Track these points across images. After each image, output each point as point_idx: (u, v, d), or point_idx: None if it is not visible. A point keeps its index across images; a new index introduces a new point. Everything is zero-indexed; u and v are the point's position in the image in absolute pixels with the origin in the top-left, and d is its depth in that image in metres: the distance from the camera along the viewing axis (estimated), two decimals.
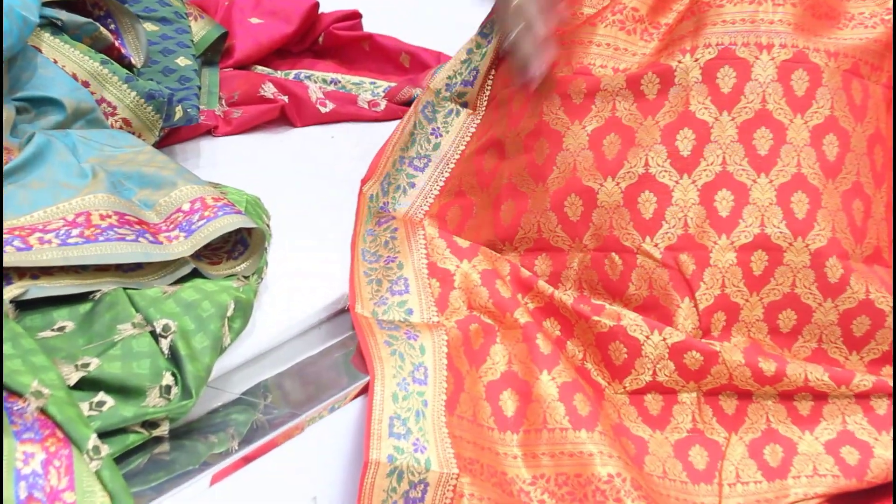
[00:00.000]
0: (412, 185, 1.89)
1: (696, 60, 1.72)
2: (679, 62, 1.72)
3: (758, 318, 1.69)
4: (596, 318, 1.71)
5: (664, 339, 1.68)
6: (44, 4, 2.26)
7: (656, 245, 1.70)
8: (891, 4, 1.80)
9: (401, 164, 1.90)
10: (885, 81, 1.77)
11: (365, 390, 1.71)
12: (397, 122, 2.28)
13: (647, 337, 1.68)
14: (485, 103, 1.90)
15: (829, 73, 1.72)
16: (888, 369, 1.72)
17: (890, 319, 1.68)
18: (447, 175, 1.89)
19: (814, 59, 1.72)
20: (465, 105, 1.91)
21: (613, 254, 1.72)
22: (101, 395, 1.63)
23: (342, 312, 1.92)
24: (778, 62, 1.71)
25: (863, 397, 1.70)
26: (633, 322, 1.70)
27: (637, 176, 1.72)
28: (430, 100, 1.92)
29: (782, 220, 1.68)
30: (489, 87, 1.92)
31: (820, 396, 1.69)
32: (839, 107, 1.71)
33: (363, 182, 1.91)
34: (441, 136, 1.90)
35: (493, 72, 1.91)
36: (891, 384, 1.70)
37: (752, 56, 1.72)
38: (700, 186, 1.70)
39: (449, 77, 1.92)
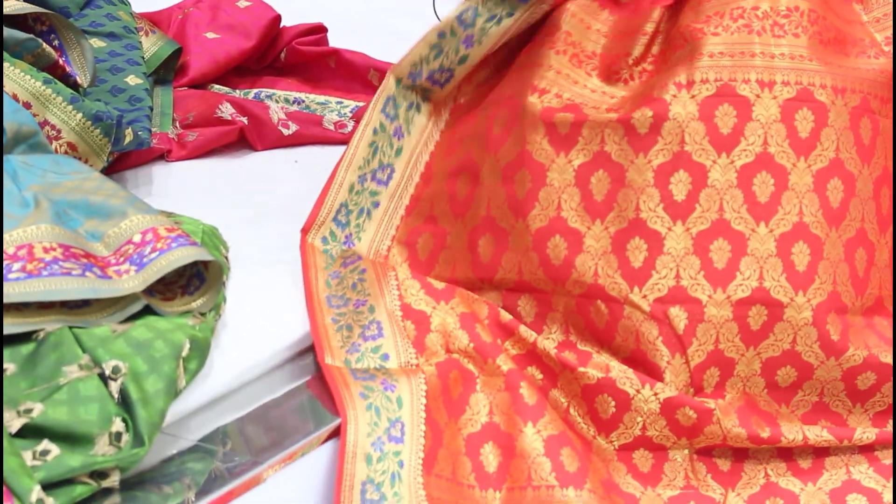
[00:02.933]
0: (376, 205, 1.88)
1: (693, 97, 1.72)
2: (674, 96, 1.72)
3: (754, 372, 1.69)
4: (582, 369, 1.71)
5: (655, 395, 1.68)
6: None
7: (645, 297, 1.69)
8: (890, 33, 1.81)
9: (361, 183, 1.89)
10: None
11: (334, 434, 1.71)
12: None
13: (638, 391, 1.68)
14: (450, 108, 1.90)
15: (835, 112, 1.72)
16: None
17: None
18: (411, 192, 1.88)
19: (819, 98, 1.72)
20: (426, 100, 1.90)
21: (599, 302, 1.72)
22: (46, 444, 1.63)
23: (306, 352, 1.92)
24: (781, 101, 1.72)
25: (867, 449, 1.71)
26: (622, 374, 1.69)
27: (627, 220, 1.71)
28: (391, 95, 1.91)
29: (782, 272, 1.68)
30: (463, 96, 1.92)
31: (821, 451, 1.70)
32: (846, 148, 1.72)
33: (304, 231, 1.89)
34: (403, 136, 1.90)
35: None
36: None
37: (754, 94, 1.72)
38: (694, 235, 1.70)
39: (413, 64, 1.90)
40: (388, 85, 1.90)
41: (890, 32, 1.80)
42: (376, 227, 1.88)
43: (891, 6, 1.82)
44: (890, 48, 1.80)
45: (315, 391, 1.88)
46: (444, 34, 1.88)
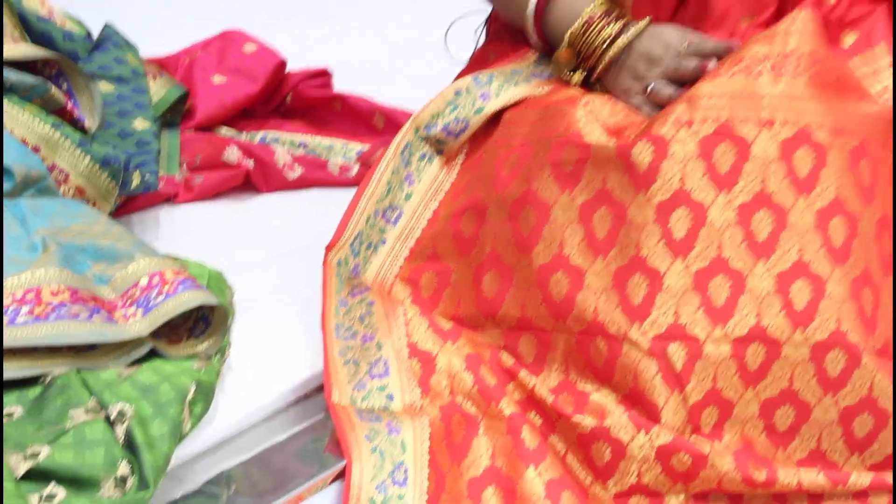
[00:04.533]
0: (383, 242, 1.89)
1: (693, 135, 1.72)
2: (674, 134, 1.72)
3: (753, 414, 1.68)
4: (577, 417, 1.70)
5: (650, 440, 1.67)
6: None
7: (644, 333, 1.69)
8: (891, 83, 1.81)
9: (374, 217, 1.90)
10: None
11: (339, 477, 1.72)
12: None
13: (633, 437, 1.68)
14: (460, 163, 1.91)
15: (834, 153, 1.72)
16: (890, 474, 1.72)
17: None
18: (417, 235, 1.89)
19: (818, 137, 1.72)
20: (440, 153, 1.91)
21: (599, 338, 1.72)
22: (52, 487, 1.63)
23: (311, 395, 1.93)
24: (779, 140, 1.71)
25: (861, 495, 1.70)
26: (617, 421, 1.69)
27: (628, 258, 1.71)
28: (409, 142, 1.92)
29: (781, 310, 1.67)
30: (466, 147, 1.92)
31: (816, 497, 1.69)
32: (846, 189, 1.71)
33: (328, 249, 1.91)
34: (413, 183, 1.90)
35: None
36: (890, 482, 1.70)
37: (752, 133, 1.72)
38: (694, 272, 1.69)
39: (432, 116, 1.91)
40: (407, 132, 1.92)
41: (878, 88, 1.80)
42: (381, 263, 1.88)
43: (875, 66, 1.82)
44: (882, 100, 1.81)
45: (319, 433, 1.89)
46: (460, 92, 1.89)
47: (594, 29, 1.87)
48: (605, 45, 1.86)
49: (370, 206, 1.89)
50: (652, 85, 1.81)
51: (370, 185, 1.90)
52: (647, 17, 1.87)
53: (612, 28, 1.86)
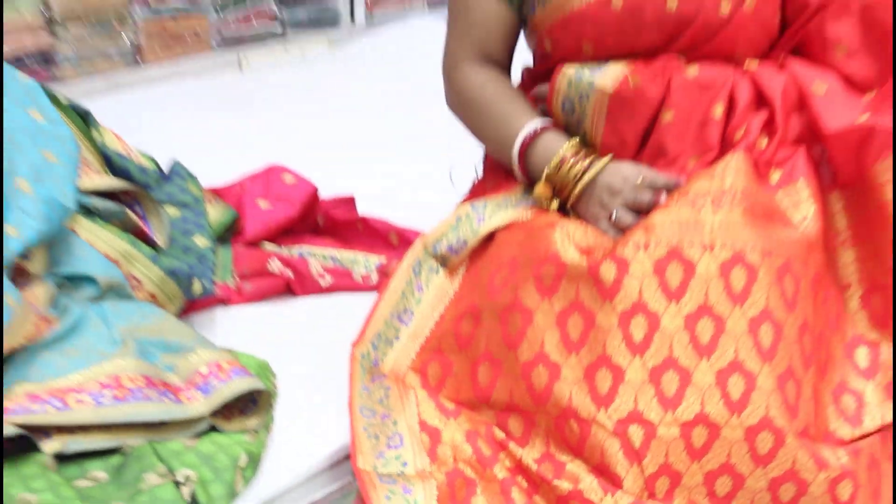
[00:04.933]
0: (397, 338, 1.89)
1: (649, 256, 1.72)
2: (634, 255, 1.73)
3: (698, 483, 1.67)
4: (556, 482, 1.70)
5: (615, 501, 1.67)
6: (80, 192, 2.30)
7: (609, 417, 1.68)
8: (809, 213, 1.82)
9: (391, 319, 1.90)
10: (813, 276, 1.78)
11: None
12: None
13: (601, 499, 1.66)
14: (461, 275, 1.91)
15: (764, 270, 1.72)
16: None
17: (812, 488, 1.67)
18: (427, 334, 1.89)
19: (750, 258, 1.72)
20: (444, 265, 1.91)
21: (572, 421, 1.71)
22: None
23: (341, 462, 1.93)
24: (719, 260, 1.72)
25: None
26: (589, 486, 1.68)
27: (596, 355, 1.71)
28: (418, 258, 1.93)
29: (720, 399, 1.67)
30: (466, 262, 1.92)
31: None
32: (773, 299, 1.71)
33: (354, 345, 1.91)
34: (423, 291, 1.90)
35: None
36: None
37: (697, 254, 1.72)
38: (650, 368, 1.69)
39: (436, 239, 1.92)
40: (417, 250, 1.93)
41: (798, 217, 1.81)
42: (396, 356, 1.87)
43: (796, 198, 1.83)
44: (807, 220, 1.81)
45: (347, 492, 1.89)
46: (460, 218, 1.90)
47: (566, 167, 1.88)
48: (575, 180, 1.87)
49: (387, 310, 1.89)
50: (615, 213, 1.81)
51: (388, 293, 1.90)
52: (609, 155, 1.88)
53: (581, 165, 1.87)
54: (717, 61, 1.89)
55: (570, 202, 1.89)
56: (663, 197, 1.79)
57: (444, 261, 1.89)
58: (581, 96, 1.88)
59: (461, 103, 2.02)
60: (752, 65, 1.89)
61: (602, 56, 1.91)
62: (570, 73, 1.88)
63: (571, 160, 1.88)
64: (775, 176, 1.84)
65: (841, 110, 1.84)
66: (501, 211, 1.90)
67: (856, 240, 1.84)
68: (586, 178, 1.86)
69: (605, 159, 1.88)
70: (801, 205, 1.83)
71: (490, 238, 1.88)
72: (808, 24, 1.89)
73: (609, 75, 1.87)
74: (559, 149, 1.89)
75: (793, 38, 1.91)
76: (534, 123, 1.93)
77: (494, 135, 1.96)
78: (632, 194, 1.82)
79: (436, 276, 1.90)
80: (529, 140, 1.91)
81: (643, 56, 1.89)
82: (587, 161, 1.87)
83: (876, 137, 1.80)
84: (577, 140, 1.90)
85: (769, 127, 1.86)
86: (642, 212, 1.80)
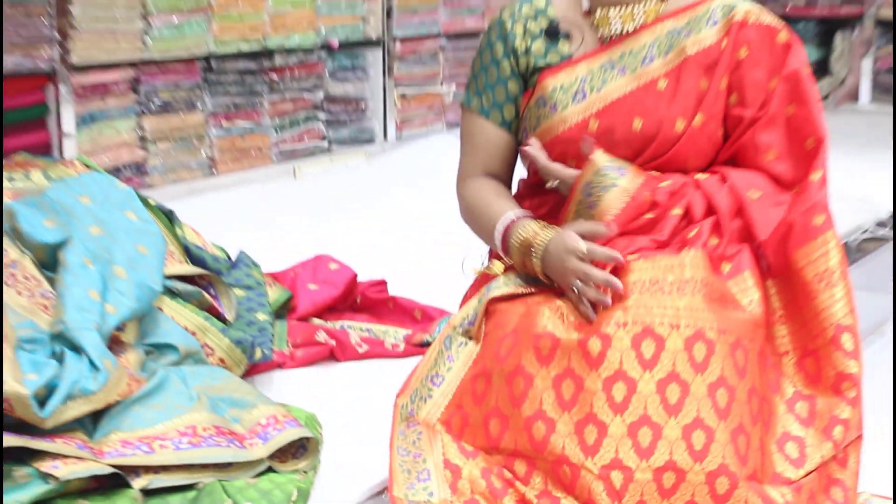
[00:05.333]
0: (430, 397, 1.86)
1: (627, 333, 1.72)
2: (614, 331, 1.73)
3: None
4: None
5: None
6: (165, 277, 2.33)
7: (595, 463, 1.67)
8: (755, 298, 1.82)
9: (426, 380, 1.88)
10: (759, 349, 1.79)
11: None
12: (413, 358, 2.31)
13: None
14: (482, 337, 1.90)
15: (720, 345, 1.72)
16: None
17: None
18: (453, 392, 1.87)
19: (709, 335, 1.72)
20: (470, 338, 1.90)
21: (565, 466, 1.70)
22: None
23: (380, 493, 1.95)
24: (684, 337, 1.71)
25: None
26: None
27: (584, 413, 1.70)
28: (449, 334, 1.91)
29: (685, 450, 1.66)
30: (483, 325, 1.92)
31: None
32: (727, 368, 1.71)
33: (397, 396, 1.91)
34: (453, 361, 1.89)
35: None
36: None
37: (666, 331, 1.72)
38: (628, 424, 1.68)
39: (462, 319, 1.91)
40: (448, 329, 1.91)
41: (745, 301, 1.82)
42: (429, 409, 1.84)
43: (743, 286, 1.83)
44: (754, 302, 1.82)
45: None
46: (481, 299, 1.89)
47: (527, 243, 1.86)
48: (530, 251, 1.85)
49: (423, 373, 1.87)
50: (576, 288, 1.79)
51: (424, 360, 1.88)
52: (552, 229, 1.85)
53: (536, 240, 1.87)
54: (672, 171, 1.89)
55: (538, 271, 1.86)
56: (617, 283, 1.78)
57: (468, 334, 1.89)
58: (604, 187, 1.87)
59: (465, 209, 2.01)
60: (701, 176, 1.89)
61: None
62: (600, 165, 1.85)
63: (538, 232, 1.86)
64: (726, 268, 1.83)
65: (770, 213, 1.85)
66: (503, 287, 1.89)
67: (787, 317, 1.84)
68: (535, 252, 1.84)
69: (549, 232, 1.85)
70: (747, 291, 1.82)
71: (498, 311, 1.88)
72: (743, 136, 1.89)
73: (627, 180, 1.86)
74: (528, 230, 1.87)
75: (731, 147, 1.91)
76: (512, 214, 1.90)
77: (486, 228, 1.94)
78: (581, 267, 1.78)
79: (464, 348, 1.88)
80: (508, 227, 1.89)
81: None
82: (542, 235, 1.85)
83: (793, 230, 1.81)
84: (541, 223, 1.88)
85: (717, 229, 1.85)
86: (598, 284, 1.77)
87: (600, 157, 1.86)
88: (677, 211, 1.86)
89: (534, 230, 1.86)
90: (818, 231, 1.81)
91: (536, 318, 1.79)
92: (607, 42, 1.92)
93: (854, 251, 3.28)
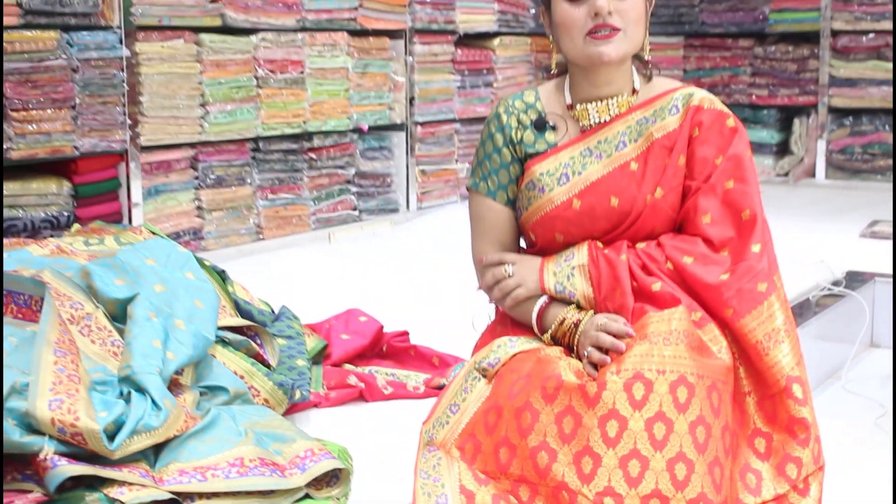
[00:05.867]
0: (447, 423, 1.85)
1: (619, 378, 1.72)
2: (609, 376, 1.72)
3: None
4: None
5: None
6: (218, 328, 2.33)
7: (590, 490, 1.66)
8: (723, 346, 1.82)
9: (446, 410, 1.87)
10: (730, 390, 1.78)
11: None
12: (432, 399, 2.30)
13: None
14: (493, 382, 1.89)
15: (699, 388, 1.72)
16: None
17: None
18: (467, 421, 1.85)
19: (690, 380, 1.72)
20: (485, 375, 1.89)
21: (564, 492, 1.68)
22: None
23: None
24: (669, 381, 1.71)
25: None
26: None
27: (582, 446, 1.69)
28: (469, 370, 1.90)
29: (669, 480, 1.65)
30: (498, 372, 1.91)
31: None
32: (705, 409, 1.71)
33: (423, 423, 1.89)
34: (468, 392, 1.88)
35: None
36: None
37: (654, 377, 1.71)
38: (619, 457, 1.67)
39: (482, 357, 1.89)
40: (468, 365, 1.90)
41: (715, 349, 1.82)
42: (445, 434, 1.83)
43: (711, 335, 1.83)
44: (722, 350, 1.81)
45: None
46: (499, 346, 1.88)
47: (565, 324, 1.88)
48: (569, 333, 1.88)
49: (445, 403, 1.87)
50: (588, 352, 1.79)
51: (447, 392, 1.88)
52: (590, 311, 1.88)
53: (572, 321, 1.88)
54: (642, 237, 1.91)
55: (569, 343, 1.88)
56: (622, 344, 1.77)
57: (484, 372, 1.88)
58: (568, 276, 1.89)
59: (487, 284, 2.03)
60: (640, 244, 1.90)
61: (570, 242, 1.93)
62: (551, 268, 1.90)
63: (569, 319, 1.88)
64: (696, 316, 1.84)
65: (703, 271, 1.85)
66: (527, 344, 1.90)
67: (745, 366, 1.84)
68: (579, 330, 1.86)
69: (588, 314, 1.87)
70: (715, 339, 1.81)
71: (514, 358, 1.87)
72: (688, 202, 1.90)
73: (581, 256, 1.89)
74: (560, 313, 1.89)
75: (679, 212, 1.92)
76: (541, 301, 1.91)
77: (518, 315, 1.96)
78: (595, 337, 1.80)
79: (478, 383, 1.88)
80: (541, 313, 1.91)
81: (598, 238, 1.92)
82: (578, 317, 1.88)
83: (740, 298, 1.81)
84: (574, 306, 1.90)
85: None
86: (606, 349, 1.78)
87: (548, 262, 1.91)
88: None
89: (571, 310, 1.88)
90: (763, 296, 1.82)
91: (549, 366, 1.79)
92: (587, 130, 1.95)
93: (814, 306, 3.26)
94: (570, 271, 1.89)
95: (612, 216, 1.91)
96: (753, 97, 5.97)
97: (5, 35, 3.43)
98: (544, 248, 1.96)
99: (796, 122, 5.92)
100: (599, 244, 1.91)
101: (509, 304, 1.93)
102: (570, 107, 1.97)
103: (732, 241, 1.87)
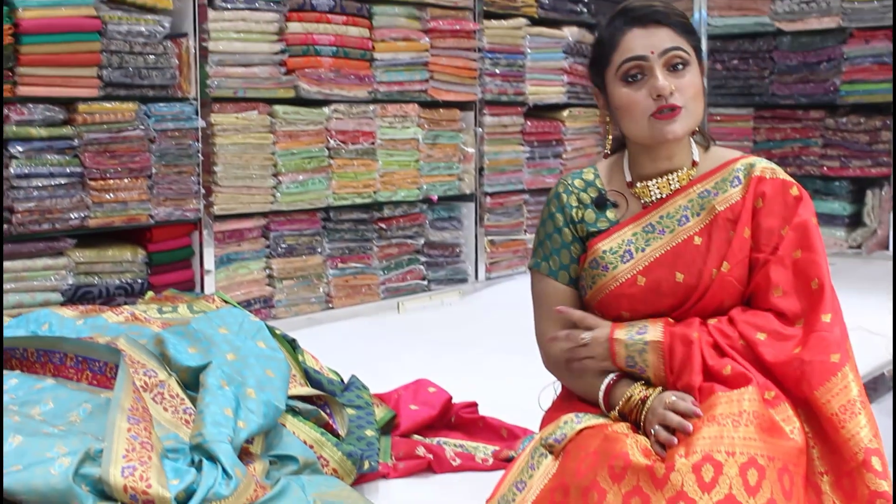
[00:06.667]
0: (513, 500, 1.83)
1: (688, 460, 1.69)
2: (678, 458, 1.70)
3: None
4: None
5: None
6: (288, 398, 2.34)
7: None
8: (795, 426, 1.79)
9: (512, 486, 1.85)
10: (803, 472, 1.75)
11: None
12: (501, 471, 2.27)
13: None
14: (560, 459, 1.87)
15: (770, 470, 1.69)
16: None
17: None
18: (532, 500, 1.83)
19: (760, 462, 1.69)
20: (551, 452, 1.88)
21: None
22: None
23: None
24: (738, 463, 1.68)
25: None
26: None
27: None
28: (536, 446, 1.89)
29: None
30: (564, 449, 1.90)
31: None
32: (776, 492, 1.68)
33: (488, 500, 1.87)
34: (535, 469, 1.87)
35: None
36: None
37: (723, 458, 1.69)
38: None
39: (549, 433, 1.87)
40: (535, 441, 1.90)
41: (788, 429, 1.78)
42: None
43: (785, 414, 1.80)
44: (796, 431, 1.78)
45: None
46: (566, 421, 1.86)
47: (633, 400, 1.86)
48: (638, 408, 1.86)
49: (511, 480, 1.86)
50: (653, 430, 1.78)
51: (513, 468, 1.87)
52: (658, 388, 1.86)
53: (639, 398, 1.86)
54: (710, 312, 1.89)
55: (636, 419, 1.86)
56: (689, 425, 1.75)
57: (550, 448, 1.86)
58: (640, 351, 1.88)
59: (553, 363, 2.02)
60: (712, 321, 1.89)
61: (637, 318, 1.91)
62: (623, 339, 1.88)
63: (636, 396, 1.86)
64: (769, 395, 1.81)
65: (778, 347, 1.83)
66: (594, 419, 1.88)
67: (817, 440, 1.80)
68: (645, 407, 1.84)
69: (657, 391, 1.85)
70: (789, 419, 1.79)
71: (580, 435, 1.85)
72: (757, 275, 1.89)
73: (654, 332, 1.87)
74: (627, 390, 1.88)
75: (749, 286, 1.91)
76: (609, 377, 1.91)
77: (582, 387, 1.96)
78: (663, 415, 1.78)
79: (544, 459, 1.86)
80: (609, 388, 1.90)
81: (665, 313, 1.91)
82: (646, 394, 1.86)
83: (813, 370, 1.79)
84: (641, 383, 1.89)
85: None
86: (674, 429, 1.76)
87: (619, 333, 1.89)
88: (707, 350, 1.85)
89: (638, 387, 1.87)
90: (836, 367, 1.79)
91: (616, 444, 1.76)
92: (648, 206, 1.96)
93: (888, 380, 3.18)
94: (642, 346, 1.87)
95: (678, 292, 1.90)
96: (825, 169, 5.90)
97: (85, 106, 3.53)
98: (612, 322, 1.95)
99: (869, 193, 5.83)
100: (671, 320, 1.90)
101: (576, 367, 1.92)
102: (631, 184, 1.98)
103: (804, 313, 1.86)
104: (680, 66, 1.88)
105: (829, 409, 1.77)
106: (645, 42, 1.87)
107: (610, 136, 2.00)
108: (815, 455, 1.80)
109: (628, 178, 1.98)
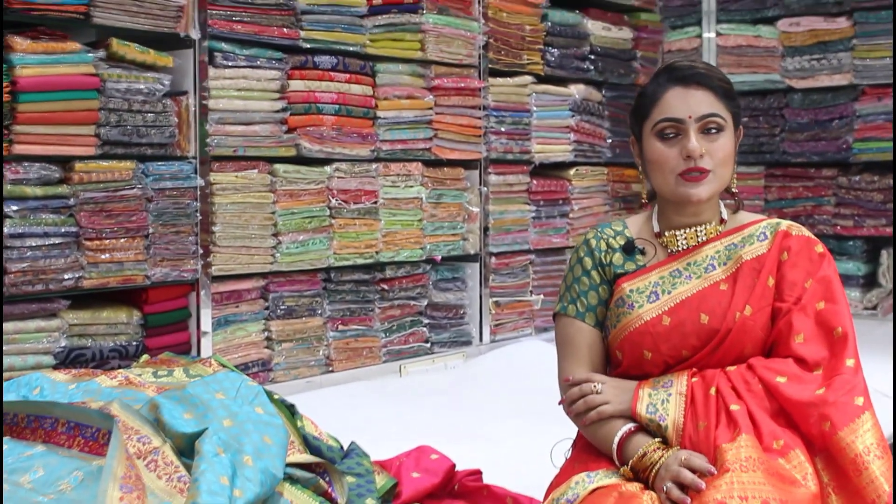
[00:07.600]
0: None
1: None
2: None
3: None
4: None
5: None
6: (286, 465, 2.32)
7: None
8: (808, 472, 1.80)
9: None
10: None
11: None
12: None
13: None
14: None
15: None
16: None
17: None
18: None
19: None
20: None
21: None
22: None
23: None
24: None
25: None
26: None
27: None
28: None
29: None
30: None
31: None
32: None
33: None
34: None
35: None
36: None
37: None
38: None
39: (561, 493, 1.88)
40: (547, 501, 1.91)
41: (799, 476, 1.79)
42: None
43: (796, 461, 1.82)
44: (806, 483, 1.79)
45: None
46: (578, 482, 1.89)
47: (647, 458, 1.88)
48: (652, 467, 1.87)
49: None
50: (666, 487, 1.80)
51: None
52: (676, 447, 1.88)
53: (655, 456, 1.87)
54: (733, 355, 1.95)
55: (647, 477, 1.88)
56: (702, 483, 1.77)
57: None
58: (663, 401, 1.92)
59: (573, 410, 2.05)
60: (731, 368, 1.94)
61: (657, 360, 1.97)
62: (647, 390, 1.93)
63: (652, 453, 1.88)
64: (778, 444, 1.84)
65: (797, 389, 1.87)
66: (605, 479, 1.89)
67: (838, 488, 1.82)
68: (658, 467, 1.85)
69: (672, 451, 1.87)
70: (801, 466, 1.81)
71: (593, 495, 1.86)
72: (780, 323, 1.95)
73: (680, 385, 1.92)
74: (642, 445, 1.89)
75: (771, 333, 1.97)
76: (626, 427, 1.94)
77: (597, 435, 1.98)
78: (676, 472, 1.80)
79: None
80: (623, 439, 1.93)
81: (687, 356, 1.95)
82: (660, 453, 1.87)
83: (837, 411, 1.82)
84: (658, 440, 1.91)
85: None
86: (687, 487, 1.78)
87: (643, 389, 1.95)
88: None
89: (654, 444, 1.90)
90: (860, 410, 1.83)
91: (629, 500, 1.78)
92: (674, 255, 2.05)
93: None
94: (665, 396, 1.91)
95: (702, 333, 1.96)
96: (838, 228, 5.91)
97: (82, 165, 3.55)
98: (631, 366, 2.00)
99: (884, 253, 5.83)
100: (695, 377, 1.94)
101: (593, 417, 1.95)
102: (659, 234, 2.07)
103: (826, 360, 1.91)
104: (714, 131, 1.97)
105: (852, 451, 1.80)
106: (684, 104, 1.96)
107: (644, 187, 2.09)
108: (833, 502, 1.81)
109: (656, 229, 2.07)
